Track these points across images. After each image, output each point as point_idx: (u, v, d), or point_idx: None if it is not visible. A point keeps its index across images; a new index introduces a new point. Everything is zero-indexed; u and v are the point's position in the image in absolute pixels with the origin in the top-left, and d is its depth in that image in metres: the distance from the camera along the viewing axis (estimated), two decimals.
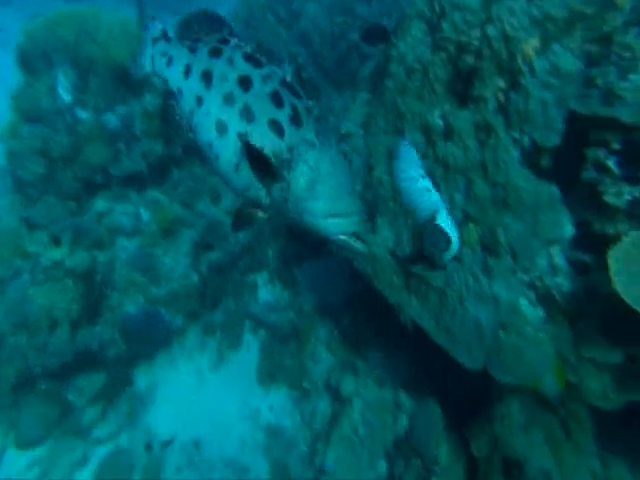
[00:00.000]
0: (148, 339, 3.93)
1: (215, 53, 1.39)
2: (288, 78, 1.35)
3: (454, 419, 3.35)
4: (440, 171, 2.81)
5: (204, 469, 3.63)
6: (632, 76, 1.90)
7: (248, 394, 3.96)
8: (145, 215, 4.18)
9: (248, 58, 1.37)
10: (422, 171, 1.65)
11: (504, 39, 2.36)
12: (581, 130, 2.33)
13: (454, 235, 1.71)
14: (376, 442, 3.52)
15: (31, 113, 4.35)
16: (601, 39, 2.01)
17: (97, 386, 3.83)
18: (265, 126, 1.29)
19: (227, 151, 1.34)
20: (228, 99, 1.33)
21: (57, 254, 3.73)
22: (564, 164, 2.55)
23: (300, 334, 4.01)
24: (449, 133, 2.69)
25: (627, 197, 2.21)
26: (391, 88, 2.99)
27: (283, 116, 1.30)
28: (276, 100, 1.31)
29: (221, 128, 1.33)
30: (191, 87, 1.38)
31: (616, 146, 2.15)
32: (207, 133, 1.36)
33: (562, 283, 2.63)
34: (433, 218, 1.63)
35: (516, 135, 2.48)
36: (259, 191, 1.34)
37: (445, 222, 1.65)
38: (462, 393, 3.39)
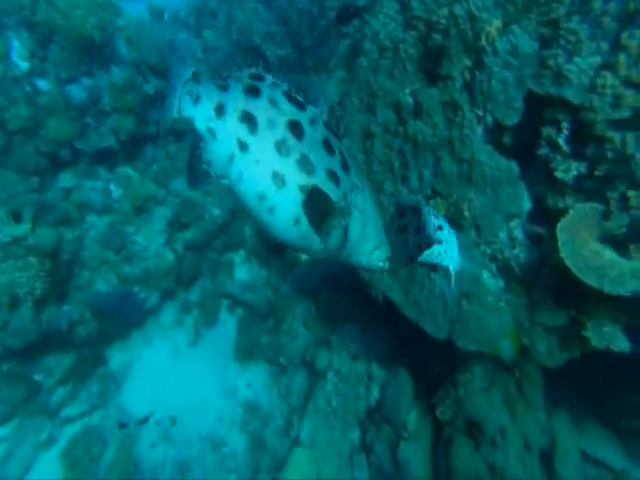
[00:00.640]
0: (121, 318, 4.00)
1: (253, 92, 1.31)
2: (325, 117, 1.37)
3: (424, 388, 3.65)
4: (410, 148, 3.01)
5: (180, 444, 3.79)
6: (577, 59, 2.14)
7: (225, 371, 4.12)
8: (116, 192, 4.20)
9: (290, 99, 1.33)
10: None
11: (470, 19, 2.55)
12: (538, 109, 2.58)
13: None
14: (349, 412, 3.78)
15: None
16: (551, 23, 2.23)
17: (67, 366, 3.88)
18: (324, 177, 1.32)
19: (287, 204, 1.30)
20: (282, 147, 1.29)
21: (18, 230, 3.68)
22: (524, 142, 2.81)
23: (277, 312, 4.19)
24: (419, 111, 2.89)
25: (574, 172, 2.48)
26: (364, 66, 3.14)
27: (336, 164, 1.34)
28: (328, 147, 1.34)
29: (278, 180, 1.29)
30: (228, 129, 1.30)
31: (565, 125, 2.41)
32: (258, 184, 1.29)
33: (520, 255, 2.92)
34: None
35: (480, 113, 2.71)
36: (314, 240, 1.36)
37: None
38: (431, 363, 3.69)
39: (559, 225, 2.54)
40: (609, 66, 2.08)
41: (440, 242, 1.58)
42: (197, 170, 1.35)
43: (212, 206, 4.49)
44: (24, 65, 4.27)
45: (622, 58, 1.96)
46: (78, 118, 4.42)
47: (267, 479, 3.47)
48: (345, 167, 1.36)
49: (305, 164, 1.30)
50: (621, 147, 2.19)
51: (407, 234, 1.62)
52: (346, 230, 1.35)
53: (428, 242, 1.59)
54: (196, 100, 1.34)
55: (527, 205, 2.89)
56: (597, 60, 2.11)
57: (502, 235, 2.97)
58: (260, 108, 1.29)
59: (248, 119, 1.29)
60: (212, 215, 4.44)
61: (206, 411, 3.98)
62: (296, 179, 1.28)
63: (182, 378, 4.07)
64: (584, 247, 2.49)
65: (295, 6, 6.40)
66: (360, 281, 3.37)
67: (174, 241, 4.29)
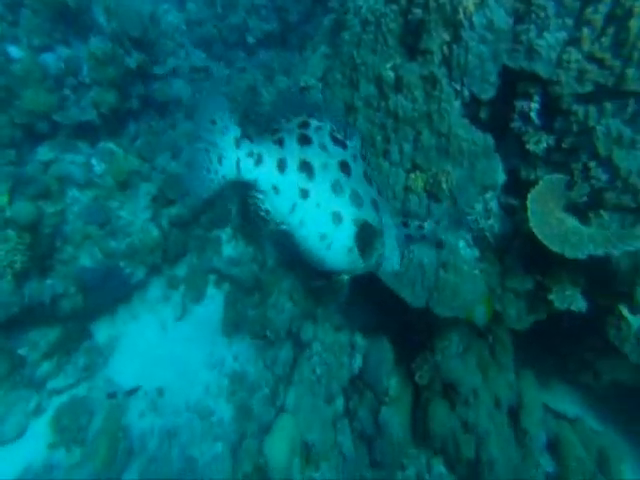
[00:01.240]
0: (107, 293, 4.12)
1: (305, 140, 1.43)
2: (361, 149, 1.54)
3: (405, 355, 3.92)
4: (391, 122, 3.17)
5: (168, 414, 3.99)
6: (546, 34, 2.32)
7: (212, 344, 4.31)
8: (98, 167, 4.24)
9: (335, 140, 1.47)
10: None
11: None
12: (512, 83, 2.76)
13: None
14: (333, 381, 4.04)
15: None
16: None
17: (52, 340, 3.99)
18: (369, 206, 1.50)
19: (342, 239, 1.46)
20: (337, 187, 1.43)
21: None
22: (500, 115, 3.00)
23: (263, 286, 4.37)
24: (399, 86, 3.04)
25: (544, 145, 2.69)
26: (347, 40, 3.26)
27: (374, 192, 1.53)
28: (367, 178, 1.51)
29: (336, 218, 1.44)
30: (290, 181, 1.40)
31: (536, 98, 2.61)
32: (320, 225, 1.43)
33: (494, 225, 3.15)
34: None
35: (457, 87, 2.88)
36: (360, 263, 1.54)
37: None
38: (411, 332, 3.95)
39: (529, 196, 2.77)
40: (574, 42, 2.27)
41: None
42: (255, 217, 1.44)
43: None
44: None
45: (586, 32, 2.15)
46: (55, 89, 4.40)
47: (253, 444, 3.71)
48: (380, 193, 1.57)
49: (355, 198, 1.46)
50: (584, 120, 2.40)
51: None
52: (383, 249, 1.61)
53: None
54: (258, 161, 1.41)
55: (502, 177, 3.10)
56: (563, 35, 2.29)
57: (478, 207, 3.20)
58: (314, 155, 1.42)
59: (306, 168, 1.42)
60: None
61: (194, 383, 4.18)
62: (350, 214, 1.45)
63: (169, 352, 4.24)
64: (551, 216, 2.72)
65: None
66: None
67: (159, 217, 4.38)
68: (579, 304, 2.61)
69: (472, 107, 3.01)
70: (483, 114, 3.03)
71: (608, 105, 2.28)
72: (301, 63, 4.34)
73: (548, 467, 3.04)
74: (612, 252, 2.32)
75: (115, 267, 4.13)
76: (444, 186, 3.16)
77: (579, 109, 2.42)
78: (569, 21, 2.23)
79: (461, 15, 2.65)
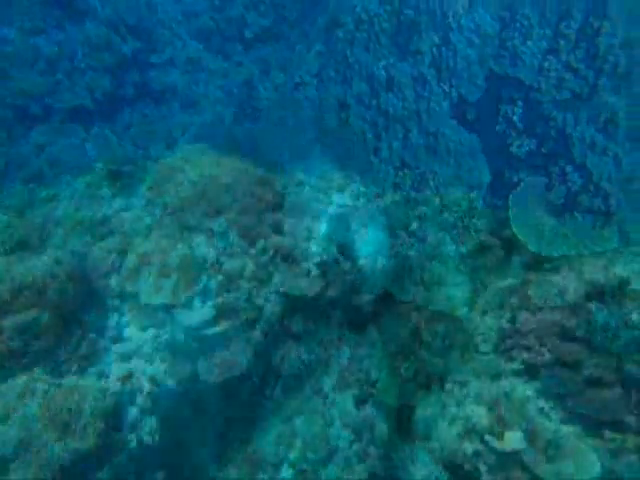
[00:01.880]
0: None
1: None
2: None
3: (393, 350, 4.12)
4: (382, 120, 3.34)
5: None
6: (529, 42, 2.50)
7: None
8: (92, 152, 4.37)
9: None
10: None
11: None
12: (498, 87, 2.95)
13: None
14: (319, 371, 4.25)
15: None
16: (509, 7, 2.57)
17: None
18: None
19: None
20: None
21: None
22: (486, 117, 3.19)
23: None
24: (391, 84, 3.21)
25: (526, 148, 2.89)
26: (341, 38, 3.41)
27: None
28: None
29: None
30: None
31: (519, 103, 2.79)
32: None
33: (477, 223, 3.35)
34: None
35: (446, 88, 3.05)
36: None
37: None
38: (400, 327, 4.15)
39: (511, 197, 2.98)
40: (552, 51, 2.45)
41: None
42: None
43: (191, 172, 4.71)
44: None
45: (562, 44, 2.33)
46: (48, 72, 4.50)
47: None
48: None
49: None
50: (562, 126, 2.60)
51: None
52: None
53: None
54: None
55: (487, 177, 3.30)
56: (544, 45, 2.48)
57: (464, 204, 3.40)
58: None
59: None
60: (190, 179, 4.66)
61: None
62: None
63: None
64: (530, 216, 2.93)
65: None
66: None
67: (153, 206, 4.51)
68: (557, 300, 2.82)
69: (459, 108, 3.19)
70: (470, 115, 3.21)
71: (583, 113, 2.47)
72: (297, 59, 4.48)
73: None
74: (583, 252, 2.53)
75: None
76: (431, 184, 3.35)
77: (558, 115, 2.62)
78: (549, 31, 2.41)
79: (450, 18, 2.82)
